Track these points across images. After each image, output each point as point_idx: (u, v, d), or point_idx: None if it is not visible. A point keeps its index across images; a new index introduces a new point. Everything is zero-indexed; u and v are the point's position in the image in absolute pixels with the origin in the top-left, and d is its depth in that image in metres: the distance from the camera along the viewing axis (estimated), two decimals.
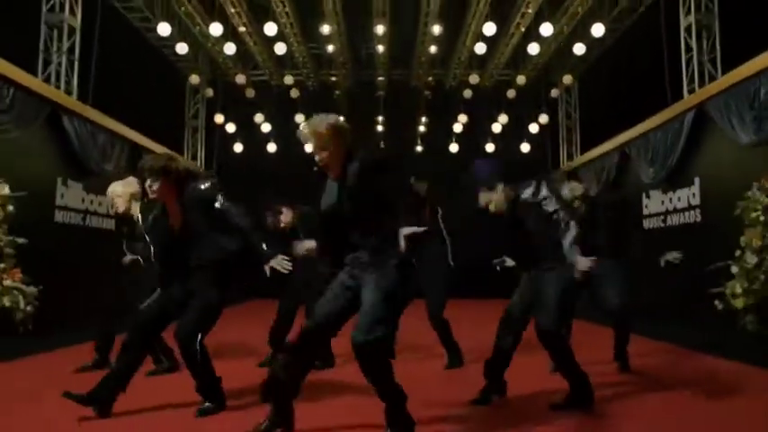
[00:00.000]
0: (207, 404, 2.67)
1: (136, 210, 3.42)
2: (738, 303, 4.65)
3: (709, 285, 4.99)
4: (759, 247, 4.49)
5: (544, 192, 2.69)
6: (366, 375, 2.16)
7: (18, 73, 5.46)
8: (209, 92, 10.01)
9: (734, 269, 4.70)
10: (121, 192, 3.45)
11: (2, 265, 4.61)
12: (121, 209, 3.47)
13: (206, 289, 2.69)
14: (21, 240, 4.75)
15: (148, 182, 2.69)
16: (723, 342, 4.56)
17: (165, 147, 9.02)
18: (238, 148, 10.96)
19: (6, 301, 4.57)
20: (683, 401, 3.02)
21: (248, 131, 10.84)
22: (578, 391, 2.74)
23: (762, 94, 5.02)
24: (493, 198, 2.82)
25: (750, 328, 4.62)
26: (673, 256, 3.80)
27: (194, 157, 11.02)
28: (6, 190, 4.68)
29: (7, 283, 4.59)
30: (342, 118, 2.43)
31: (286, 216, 4.10)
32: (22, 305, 4.64)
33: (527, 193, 2.73)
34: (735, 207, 4.80)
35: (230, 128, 10.63)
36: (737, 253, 4.69)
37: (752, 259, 4.52)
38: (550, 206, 2.66)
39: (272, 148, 11.03)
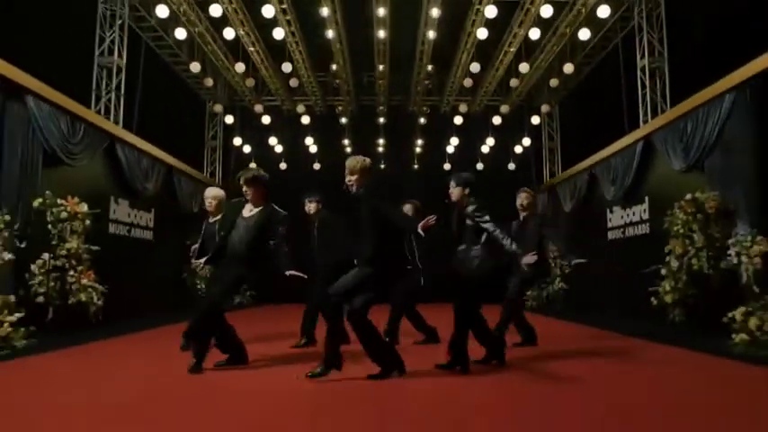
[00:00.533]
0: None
1: (219, 210, 4.46)
2: (668, 299, 5.81)
3: (648, 285, 6.15)
4: (680, 254, 5.65)
5: (478, 208, 3.77)
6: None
7: (85, 110, 6.69)
8: (229, 118, 11.25)
9: (663, 271, 5.86)
10: (216, 195, 4.59)
11: (80, 268, 5.77)
12: (211, 208, 4.57)
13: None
14: (94, 248, 5.93)
15: (245, 188, 3.73)
16: (657, 331, 5.73)
17: (190, 166, 10.27)
18: (252, 166, 12.20)
19: (83, 297, 5.73)
20: (632, 376, 3.92)
21: (262, 152, 12.09)
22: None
23: (689, 129, 6.23)
24: (455, 192, 3.93)
25: (677, 320, 5.78)
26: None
27: (212, 175, 12.24)
28: (85, 208, 5.87)
29: (84, 282, 5.76)
30: (368, 159, 3.60)
31: (309, 207, 5.21)
32: (95, 299, 5.81)
33: (470, 208, 3.83)
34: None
35: (246, 149, 11.87)
36: (666, 258, 5.86)
37: (675, 264, 5.69)
38: (481, 217, 3.74)
39: (282, 166, 12.27)
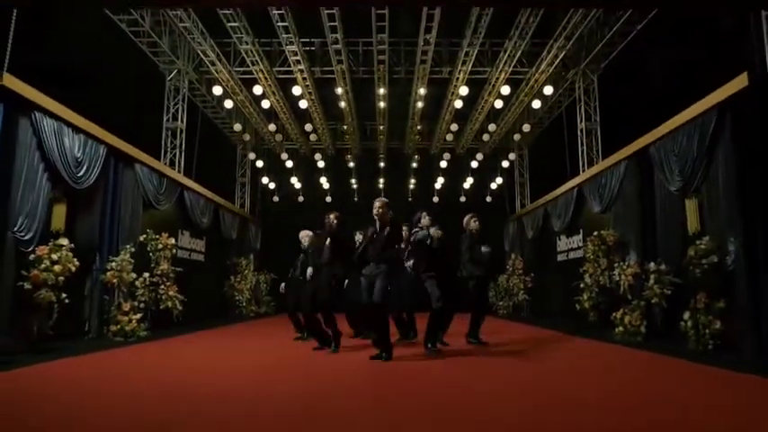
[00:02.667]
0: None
1: (308, 242, 6.71)
2: (586, 305, 8.21)
3: (575, 294, 8.55)
4: (591, 273, 8.07)
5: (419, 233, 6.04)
6: (373, 320, 5.64)
7: (163, 167, 9.18)
8: (260, 163, 13.83)
9: (582, 285, 8.28)
10: (306, 235, 6.81)
11: (168, 283, 8.17)
12: (305, 244, 6.81)
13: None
14: (178, 269, 8.35)
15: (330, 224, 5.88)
16: (580, 328, 8.10)
17: (227, 200, 12.77)
18: (276, 199, 14.73)
19: (170, 304, 8.12)
20: (570, 365, 6.50)
21: (284, 188, 14.64)
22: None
23: (603, 182, 8.69)
24: (436, 232, 6.14)
25: (591, 320, 8.16)
26: (486, 248, 6.58)
27: (242, 206, 14.74)
28: (173, 241, 8.31)
29: (171, 293, 8.16)
30: (386, 199, 5.51)
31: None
32: (178, 306, 8.20)
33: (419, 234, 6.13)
34: None
35: (271, 185, 14.42)
36: (584, 276, 8.27)
37: (588, 280, 8.11)
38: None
39: (300, 199, 14.80)
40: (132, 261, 7.20)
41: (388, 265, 5.06)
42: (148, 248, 8.06)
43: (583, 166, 10.68)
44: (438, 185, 14.49)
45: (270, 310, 13.57)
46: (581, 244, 9.82)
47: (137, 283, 7.74)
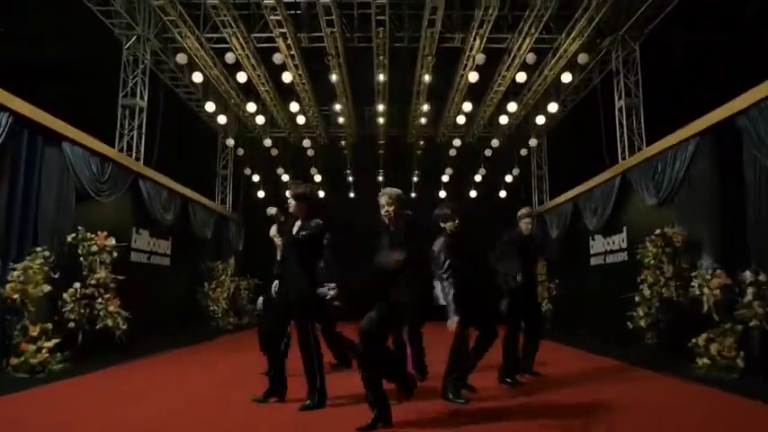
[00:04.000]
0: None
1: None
2: (642, 323, 6.40)
3: (625, 310, 6.73)
4: (651, 283, 6.26)
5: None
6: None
7: (113, 152, 7.37)
8: (240, 151, 11.97)
9: (637, 298, 6.46)
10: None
11: (107, 296, 6.36)
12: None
13: None
14: (121, 277, 6.54)
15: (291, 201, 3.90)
16: (636, 354, 6.25)
17: (202, 194, 10.96)
18: (261, 194, 12.90)
19: (109, 322, 6.31)
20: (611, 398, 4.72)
21: (270, 181, 12.81)
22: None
23: (659, 169, 6.90)
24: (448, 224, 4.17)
25: (650, 342, 6.35)
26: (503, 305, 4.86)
27: (223, 202, 12.92)
28: (113, 241, 6.49)
29: (111, 308, 6.34)
30: (398, 190, 3.59)
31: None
32: (120, 324, 6.38)
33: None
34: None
35: (255, 177, 12.58)
36: (640, 287, 6.46)
37: (647, 292, 6.29)
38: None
39: (289, 194, 12.95)
40: (46, 269, 5.38)
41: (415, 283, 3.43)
42: (80, 251, 6.25)
43: (623, 150, 8.87)
44: (446, 178, 12.66)
45: (254, 320, 11.75)
46: (624, 245, 8.02)
47: (65, 296, 5.95)
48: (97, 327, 6.23)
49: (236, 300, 10.96)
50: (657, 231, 6.28)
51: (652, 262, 6.27)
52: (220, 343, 8.47)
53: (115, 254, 6.53)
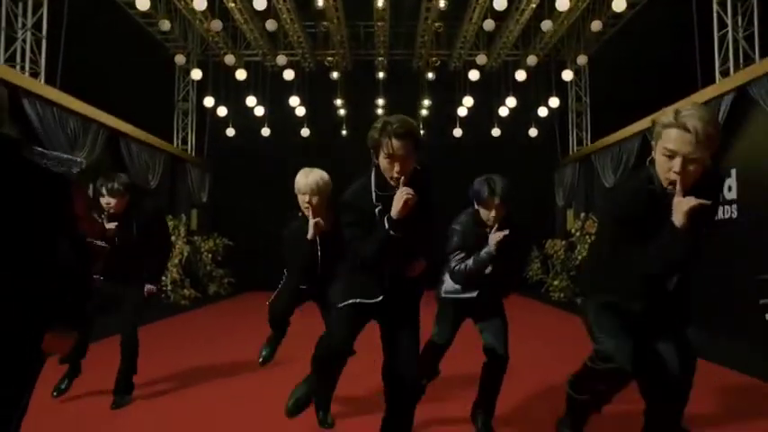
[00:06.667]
0: None
1: None
2: None
3: (758, 295, 4.42)
4: None
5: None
6: None
7: None
8: (198, 73, 9.29)
9: None
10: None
11: None
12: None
13: None
14: None
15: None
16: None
17: (151, 131, 8.43)
18: (231, 132, 10.35)
19: None
20: None
21: (241, 115, 10.20)
22: None
23: None
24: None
25: None
26: None
27: (185, 142, 10.41)
28: None
29: None
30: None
31: None
32: None
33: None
34: None
35: (222, 111, 9.97)
36: None
37: None
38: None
39: (266, 132, 10.40)
40: None
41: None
42: None
43: (722, 63, 6.27)
44: (462, 112, 10.07)
45: (224, 290, 9.56)
46: (731, 195, 5.62)
47: None
48: None
49: (193, 266, 8.66)
50: None
51: None
52: (173, 327, 6.24)
53: None
